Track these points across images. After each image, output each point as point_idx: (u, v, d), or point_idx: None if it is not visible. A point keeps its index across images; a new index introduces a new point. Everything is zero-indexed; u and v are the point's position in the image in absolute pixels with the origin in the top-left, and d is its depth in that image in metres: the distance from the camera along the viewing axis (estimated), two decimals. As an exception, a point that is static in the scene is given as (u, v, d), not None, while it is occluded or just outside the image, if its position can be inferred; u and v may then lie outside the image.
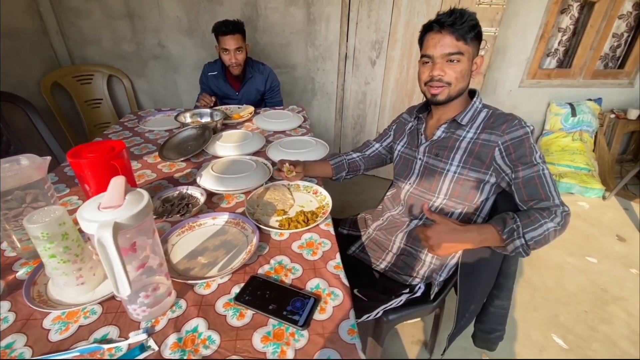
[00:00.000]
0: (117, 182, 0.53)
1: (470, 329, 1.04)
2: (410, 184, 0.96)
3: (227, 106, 1.72)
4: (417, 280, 0.95)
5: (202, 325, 0.59)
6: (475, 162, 0.84)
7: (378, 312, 0.93)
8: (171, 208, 0.87)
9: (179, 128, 1.41)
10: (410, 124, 1.02)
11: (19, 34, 1.71)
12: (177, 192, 0.95)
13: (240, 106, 1.72)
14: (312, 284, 0.68)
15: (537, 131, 2.72)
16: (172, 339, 0.56)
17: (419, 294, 0.97)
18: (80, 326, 0.58)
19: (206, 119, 1.49)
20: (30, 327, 0.58)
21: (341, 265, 0.73)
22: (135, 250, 0.52)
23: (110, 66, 2.06)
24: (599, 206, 2.30)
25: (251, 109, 1.66)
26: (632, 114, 2.48)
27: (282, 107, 1.78)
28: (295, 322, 0.59)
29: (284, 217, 0.87)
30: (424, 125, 0.97)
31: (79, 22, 1.93)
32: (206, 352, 0.54)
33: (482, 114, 0.87)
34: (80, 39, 1.97)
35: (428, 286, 0.98)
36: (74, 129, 2.02)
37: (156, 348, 0.55)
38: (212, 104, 1.68)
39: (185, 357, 0.53)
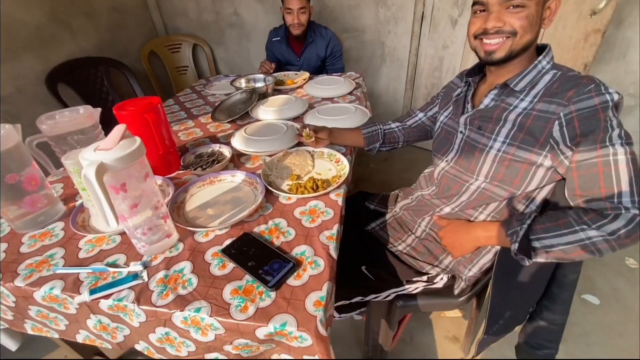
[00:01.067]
0: (117, 129, 0.58)
1: (515, 338, 0.89)
2: (447, 161, 0.82)
3: (286, 72, 1.73)
4: (438, 270, 0.84)
5: (187, 268, 0.64)
6: (526, 138, 0.66)
7: (389, 295, 0.86)
8: (199, 162, 0.94)
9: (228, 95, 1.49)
10: (459, 89, 0.85)
11: (124, 9, 2.02)
12: (210, 149, 1.02)
13: (297, 72, 1.71)
14: (299, 250, 0.67)
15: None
16: (160, 274, 0.63)
17: (439, 285, 0.86)
18: (101, 250, 0.70)
19: (259, 84, 1.54)
20: (69, 244, 0.72)
21: (335, 237, 0.69)
22: (126, 191, 0.58)
23: (194, 35, 2.27)
24: None
25: (306, 75, 1.64)
26: None
27: (343, 73, 1.71)
28: (266, 282, 0.59)
29: (295, 182, 0.86)
30: (472, 92, 0.81)
31: (171, -5, 2.16)
32: (182, 292, 0.59)
33: (547, 77, 0.66)
34: (172, 11, 2.22)
35: (452, 279, 0.86)
36: (166, 92, 2.34)
37: (146, 279, 0.62)
38: (272, 71, 1.72)
39: (164, 291, 0.59)
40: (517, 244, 0.61)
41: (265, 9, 2.11)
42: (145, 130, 0.86)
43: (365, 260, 0.88)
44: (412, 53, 2.10)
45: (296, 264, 0.62)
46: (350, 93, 1.44)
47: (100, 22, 1.85)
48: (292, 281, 0.60)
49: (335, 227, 0.72)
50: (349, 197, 1.10)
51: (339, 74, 1.70)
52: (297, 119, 1.24)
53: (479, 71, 0.82)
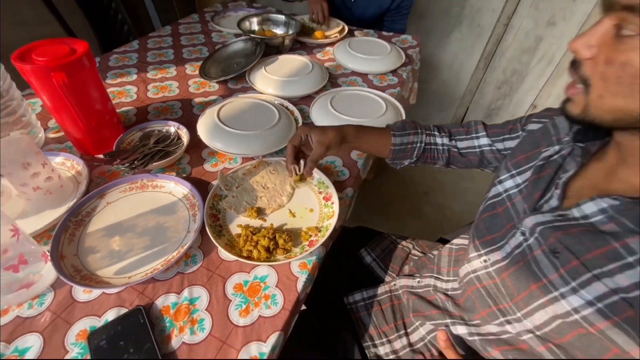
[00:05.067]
0: None
1: None
2: (485, 261, 0.48)
3: (322, 22, 1.28)
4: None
5: (33, 351, 0.42)
6: (631, 317, 0.32)
7: None
8: (138, 149, 0.66)
9: (238, 37, 1.12)
10: (557, 147, 0.47)
11: None
12: (165, 129, 0.73)
13: (335, 21, 1.27)
14: (200, 370, 0.42)
15: None
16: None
17: None
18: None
19: (279, 30, 1.15)
20: None
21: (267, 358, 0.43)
22: None
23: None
24: None
25: (343, 27, 1.21)
26: None
27: (397, 34, 1.25)
28: None
29: (252, 223, 0.57)
30: (576, 168, 0.43)
31: None
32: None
33: None
34: None
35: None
36: (188, 4, 1.96)
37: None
38: (325, 20, 1.26)
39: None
40: None
41: None
42: (56, 95, 0.58)
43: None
44: (501, 22, 1.53)
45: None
46: (394, 72, 1.03)
47: None
48: None
49: (274, 339, 0.45)
50: (344, 228, 0.81)
51: (390, 34, 1.25)
52: (307, 99, 0.89)
53: (600, 134, 0.44)
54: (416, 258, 0.70)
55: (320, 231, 0.57)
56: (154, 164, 0.63)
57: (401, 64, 1.05)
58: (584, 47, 0.34)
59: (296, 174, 0.58)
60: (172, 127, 0.74)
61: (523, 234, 0.43)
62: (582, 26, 1.38)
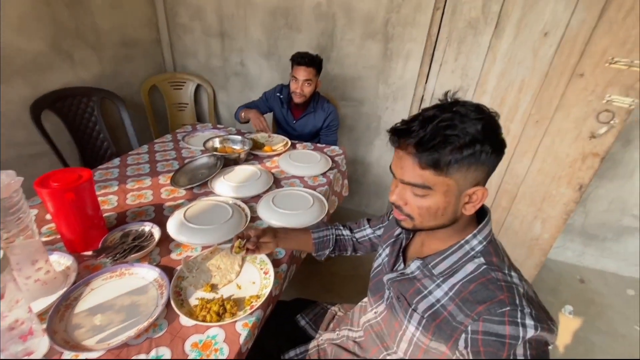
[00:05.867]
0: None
1: None
2: (375, 313, 0.72)
3: (271, 135, 1.69)
4: None
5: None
6: (437, 334, 0.56)
7: None
8: (120, 245, 0.86)
9: (204, 152, 1.45)
10: (399, 230, 0.74)
11: (135, 43, 2.08)
12: (141, 229, 0.95)
13: (280, 137, 1.67)
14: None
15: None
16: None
17: None
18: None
19: (236, 147, 1.50)
20: None
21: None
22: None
23: (200, 76, 2.31)
24: None
25: (287, 142, 1.60)
26: None
27: (329, 145, 1.67)
28: None
29: (207, 296, 0.77)
30: (409, 241, 0.71)
31: (184, 37, 2.22)
32: None
33: (469, 267, 0.55)
34: (184, 51, 2.28)
35: None
36: (162, 125, 2.35)
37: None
38: (267, 130, 1.69)
39: None
40: None
41: (270, 65, 2.14)
42: (64, 208, 0.80)
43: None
44: (408, 132, 2.05)
45: None
46: (324, 174, 1.38)
47: (105, 55, 1.89)
48: None
49: (219, 379, 0.61)
50: (283, 302, 1.00)
51: (323, 146, 1.65)
52: (256, 198, 1.17)
53: None
54: (339, 317, 0.90)
55: (259, 298, 0.77)
56: (132, 256, 0.83)
57: (328, 168, 1.40)
58: (398, 200, 0.57)
59: (238, 246, 0.79)
60: (147, 227, 0.96)
61: (388, 289, 0.68)
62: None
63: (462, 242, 0.57)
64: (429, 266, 0.59)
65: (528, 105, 1.57)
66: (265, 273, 0.85)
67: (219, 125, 1.83)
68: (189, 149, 1.54)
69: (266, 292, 0.78)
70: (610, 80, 1.30)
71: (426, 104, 1.93)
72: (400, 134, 0.53)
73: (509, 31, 1.51)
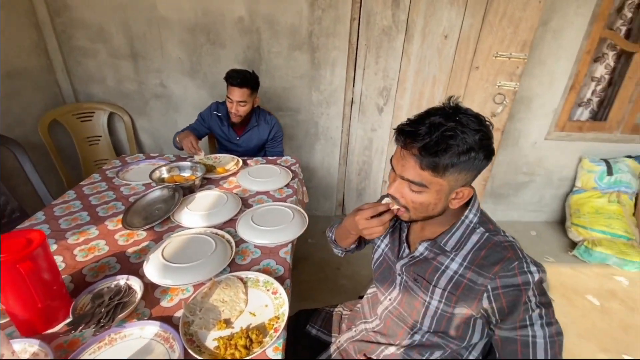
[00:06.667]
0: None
1: None
2: (390, 299, 0.78)
3: (217, 156, 1.62)
4: None
5: None
6: (461, 300, 0.64)
7: None
8: (96, 308, 0.73)
9: (147, 186, 1.31)
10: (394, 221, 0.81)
11: (21, 74, 1.73)
12: (115, 284, 0.82)
13: (229, 156, 1.61)
14: None
15: (566, 187, 2.44)
16: None
17: None
18: None
19: (186, 174, 1.39)
20: None
21: None
22: None
23: (112, 104, 2.05)
24: (640, 284, 1.96)
25: (237, 161, 1.55)
26: (681, 176, 2.16)
27: (279, 157, 1.67)
28: None
29: (224, 334, 0.72)
30: (407, 230, 0.79)
31: (85, 61, 1.94)
32: None
33: (474, 238, 0.66)
34: (86, 77, 1.98)
35: None
36: (71, 164, 2.00)
37: None
38: (199, 152, 1.58)
39: None
40: None
41: (197, 84, 2.03)
42: (17, 283, 0.65)
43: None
44: (344, 133, 2.20)
45: None
46: (288, 185, 1.39)
47: (-15, 91, 1.53)
48: None
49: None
50: (289, 317, 0.98)
51: (274, 158, 1.65)
52: (230, 222, 1.11)
53: None
54: (347, 315, 0.94)
55: (279, 318, 0.76)
56: (121, 315, 0.72)
57: (290, 178, 1.42)
58: (395, 192, 0.65)
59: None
60: (121, 280, 0.83)
61: (400, 274, 0.75)
62: (390, 129, 2.14)
63: (463, 217, 0.67)
64: (441, 244, 0.67)
65: (441, 96, 1.85)
66: (274, 293, 0.83)
67: (152, 154, 1.65)
68: (128, 185, 1.36)
69: (284, 310, 0.77)
70: (498, 70, 1.64)
71: (357, 106, 2.10)
72: (407, 136, 0.59)
73: (417, 37, 1.77)
